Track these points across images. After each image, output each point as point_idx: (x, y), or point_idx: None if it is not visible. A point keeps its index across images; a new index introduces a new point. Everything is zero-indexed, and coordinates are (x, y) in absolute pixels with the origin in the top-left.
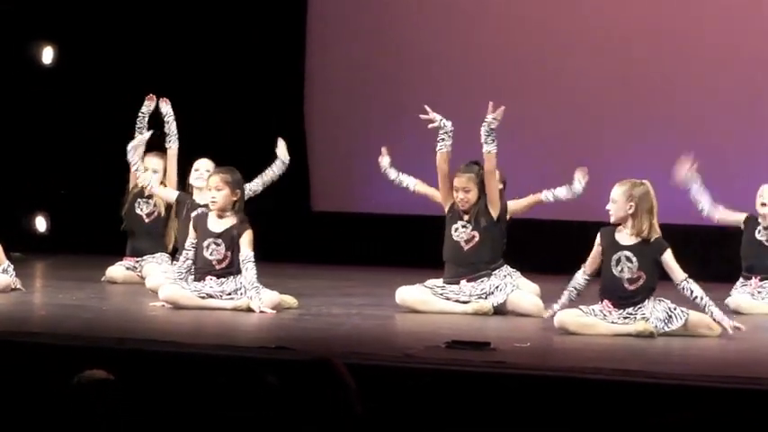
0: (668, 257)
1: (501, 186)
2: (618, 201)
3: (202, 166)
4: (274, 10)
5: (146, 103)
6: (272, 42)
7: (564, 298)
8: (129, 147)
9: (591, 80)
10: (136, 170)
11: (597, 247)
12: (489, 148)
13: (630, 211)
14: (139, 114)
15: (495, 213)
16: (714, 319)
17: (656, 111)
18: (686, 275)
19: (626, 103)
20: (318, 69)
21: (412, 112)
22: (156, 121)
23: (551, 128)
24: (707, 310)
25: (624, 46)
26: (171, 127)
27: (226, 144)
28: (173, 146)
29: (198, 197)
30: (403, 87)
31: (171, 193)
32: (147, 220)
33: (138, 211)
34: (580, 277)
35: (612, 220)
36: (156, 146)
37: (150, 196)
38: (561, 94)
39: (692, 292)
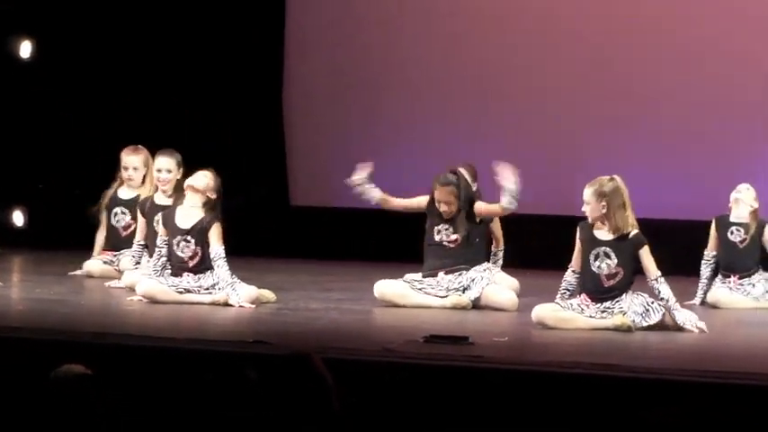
0: (644, 253)
1: (475, 187)
2: (591, 202)
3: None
4: (254, 9)
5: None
6: (251, 39)
7: (558, 296)
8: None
9: (568, 79)
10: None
11: (578, 242)
12: (509, 207)
13: (604, 211)
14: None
15: (477, 219)
16: (677, 322)
17: (629, 109)
18: (659, 274)
19: (600, 102)
20: (297, 67)
21: (389, 110)
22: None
23: (529, 128)
24: (671, 312)
25: (598, 45)
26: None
27: (204, 143)
28: None
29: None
30: (380, 86)
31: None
32: (123, 234)
33: (114, 223)
34: (570, 277)
35: (590, 221)
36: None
37: (127, 209)
38: (538, 96)
39: (660, 292)
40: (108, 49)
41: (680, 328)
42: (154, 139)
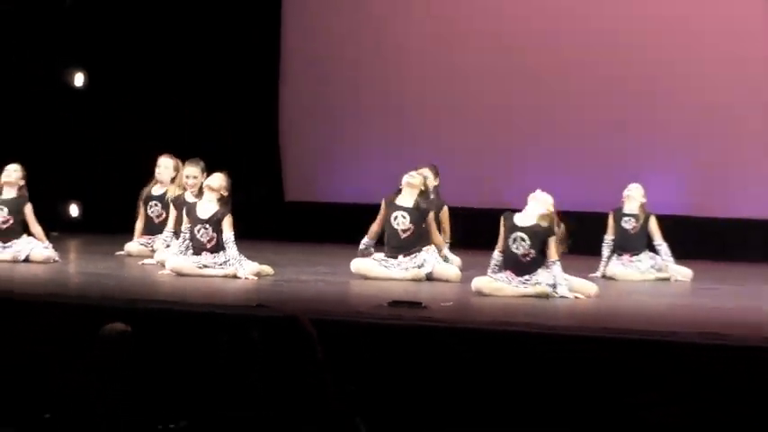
0: (551, 242)
1: (436, 183)
2: (545, 203)
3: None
4: (251, 19)
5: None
6: (248, 42)
7: (489, 272)
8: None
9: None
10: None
11: (503, 228)
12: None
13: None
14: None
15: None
16: (560, 294)
17: (558, 131)
18: (556, 258)
19: (536, 119)
20: (292, 75)
21: (375, 115)
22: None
23: (488, 136)
24: (558, 289)
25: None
26: None
27: (206, 144)
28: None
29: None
30: (368, 93)
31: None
32: (156, 222)
33: (149, 213)
34: (496, 255)
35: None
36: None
37: (159, 203)
38: (497, 111)
39: (553, 272)
40: (143, 75)
41: (579, 296)
42: (164, 140)
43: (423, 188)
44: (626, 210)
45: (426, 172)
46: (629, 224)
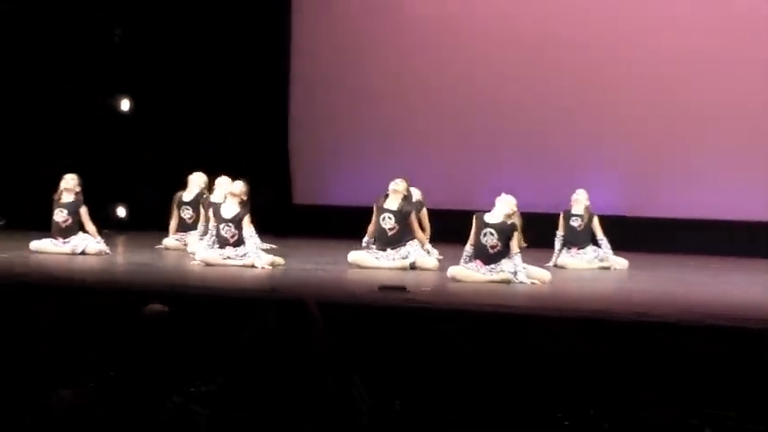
0: (514, 236)
1: (421, 208)
2: (509, 204)
3: (220, 185)
4: (263, 18)
5: None
6: (258, 51)
7: (462, 262)
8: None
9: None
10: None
11: (474, 226)
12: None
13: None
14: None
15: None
16: (519, 280)
17: (525, 138)
18: (518, 251)
19: (514, 128)
20: (301, 81)
21: (383, 119)
22: None
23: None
24: (518, 275)
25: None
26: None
27: (219, 147)
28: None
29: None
30: (376, 96)
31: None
32: (188, 221)
33: (182, 214)
34: (468, 248)
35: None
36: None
37: (189, 206)
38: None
39: (514, 262)
40: (171, 98)
41: (536, 282)
42: (191, 150)
43: (405, 193)
44: (573, 211)
45: (415, 191)
46: (576, 222)
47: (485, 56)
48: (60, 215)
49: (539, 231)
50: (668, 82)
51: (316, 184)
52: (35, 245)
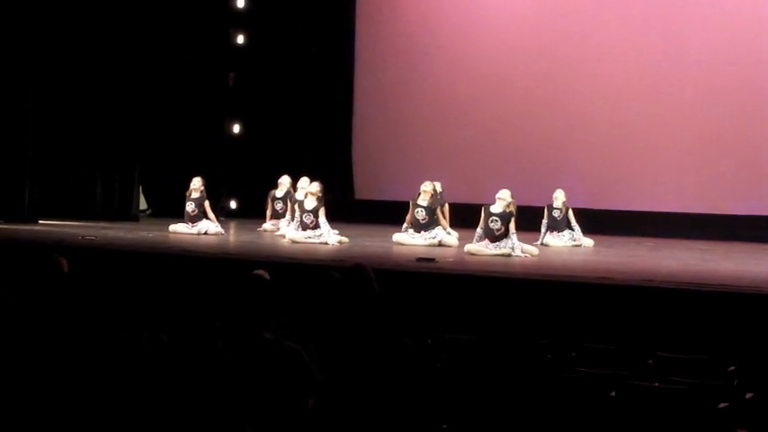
0: (512, 222)
1: (440, 190)
2: (507, 198)
3: (302, 186)
4: (330, 35)
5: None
6: (325, 63)
7: (474, 240)
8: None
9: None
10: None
11: (483, 214)
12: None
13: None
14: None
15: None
16: (516, 254)
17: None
18: (514, 232)
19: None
20: (363, 93)
21: (436, 127)
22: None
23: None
24: (515, 251)
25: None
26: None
27: (299, 156)
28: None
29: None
30: (432, 106)
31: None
32: (279, 211)
33: (275, 207)
34: (479, 230)
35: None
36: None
37: (280, 200)
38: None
39: (512, 241)
40: (271, 122)
41: (528, 256)
42: (280, 158)
43: (432, 192)
44: (555, 205)
45: (437, 184)
46: (556, 213)
47: (499, 85)
48: (190, 206)
49: (528, 219)
50: (626, 102)
51: (372, 184)
52: (173, 227)
